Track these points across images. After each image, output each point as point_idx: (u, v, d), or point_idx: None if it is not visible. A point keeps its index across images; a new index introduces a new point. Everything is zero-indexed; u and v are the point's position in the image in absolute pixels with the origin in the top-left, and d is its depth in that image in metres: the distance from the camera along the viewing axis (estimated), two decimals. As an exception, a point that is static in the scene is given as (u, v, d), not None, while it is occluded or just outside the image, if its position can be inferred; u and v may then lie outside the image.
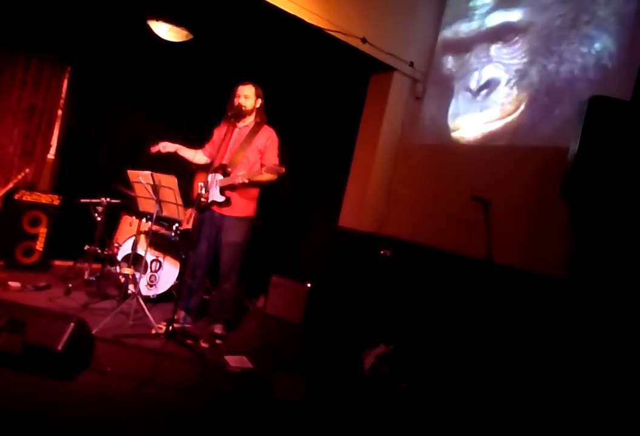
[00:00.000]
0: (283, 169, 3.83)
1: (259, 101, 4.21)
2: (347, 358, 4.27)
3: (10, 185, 5.04)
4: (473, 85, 5.09)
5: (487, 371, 3.88)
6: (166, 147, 4.23)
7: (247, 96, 4.12)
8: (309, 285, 5.07)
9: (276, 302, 5.24)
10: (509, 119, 4.72)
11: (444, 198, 5.05)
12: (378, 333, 4.57)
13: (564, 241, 3.93)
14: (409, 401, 3.65)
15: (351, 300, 5.12)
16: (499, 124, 4.80)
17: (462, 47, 5.29)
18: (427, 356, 4.23)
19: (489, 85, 4.93)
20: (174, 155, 4.33)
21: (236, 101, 4.11)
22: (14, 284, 4.53)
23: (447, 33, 5.53)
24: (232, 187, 4.06)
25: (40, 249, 5.23)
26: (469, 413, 3.54)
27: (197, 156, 4.39)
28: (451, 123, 5.25)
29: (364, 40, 4.94)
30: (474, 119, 5.02)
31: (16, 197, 5.04)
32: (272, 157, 4.15)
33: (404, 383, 3.80)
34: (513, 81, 4.71)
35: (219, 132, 4.28)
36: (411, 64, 5.48)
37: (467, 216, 4.56)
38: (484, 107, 4.94)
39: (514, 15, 4.82)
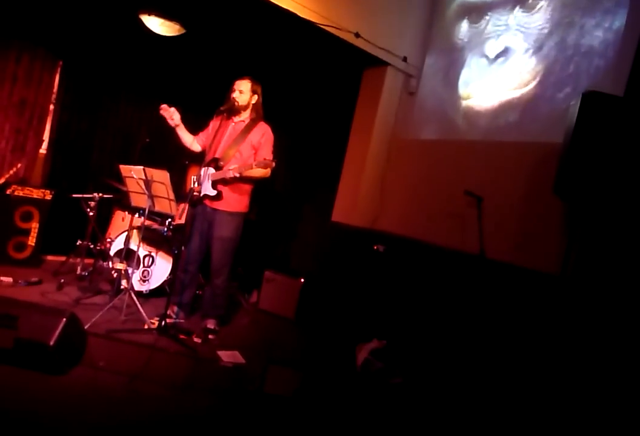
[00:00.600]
0: (273, 163, 3.82)
1: (255, 97, 4.18)
2: (340, 353, 4.28)
3: (2, 180, 5.02)
4: (490, 52, 5.00)
5: (480, 367, 3.90)
6: (175, 114, 4.08)
7: (242, 91, 4.11)
8: (302, 280, 5.08)
9: (269, 297, 5.24)
10: (525, 89, 4.64)
11: (436, 194, 5.05)
12: (371, 328, 4.57)
13: (557, 237, 3.94)
14: (401, 396, 3.66)
15: (344, 295, 5.13)
16: (515, 94, 4.72)
17: (480, 12, 5.18)
18: (420, 352, 4.24)
19: (507, 53, 4.84)
20: (172, 133, 4.26)
21: (231, 95, 4.10)
22: (6, 279, 4.51)
23: None
24: (224, 181, 4.04)
25: (32, 244, 5.20)
26: (462, 408, 3.55)
27: (194, 143, 4.33)
28: (463, 92, 5.20)
29: (357, 35, 4.93)
30: (489, 86, 4.95)
31: (8, 192, 5.01)
32: (266, 154, 4.11)
33: (396, 378, 3.81)
34: (531, 51, 4.62)
35: (214, 125, 4.24)
36: (404, 59, 5.48)
37: (460, 211, 4.57)
38: (500, 75, 4.87)
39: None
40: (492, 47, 5.00)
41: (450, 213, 4.77)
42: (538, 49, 4.58)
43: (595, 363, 3.42)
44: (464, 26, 5.34)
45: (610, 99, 3.43)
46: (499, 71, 4.90)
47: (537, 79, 4.55)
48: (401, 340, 4.30)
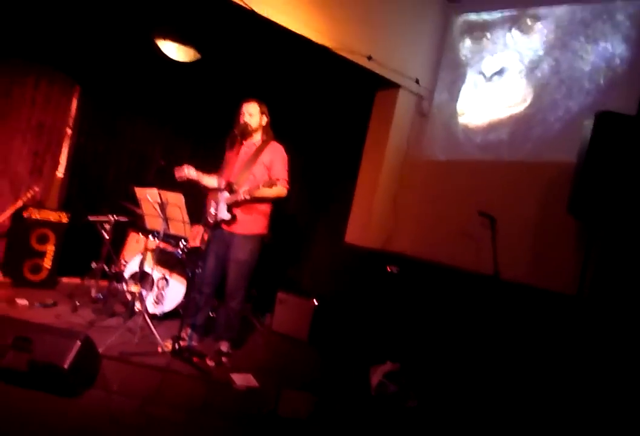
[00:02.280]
0: (277, 181, 3.82)
1: (264, 118, 4.22)
2: (354, 375, 4.24)
3: (20, 203, 5.08)
4: (486, 70, 5.11)
5: (498, 390, 3.84)
6: (190, 169, 4.21)
7: (251, 114, 4.14)
8: (315, 301, 5.05)
9: (282, 318, 5.22)
10: (516, 109, 4.75)
11: (450, 214, 5.04)
12: (385, 350, 4.53)
13: (573, 256, 3.91)
14: (417, 420, 3.61)
15: (358, 317, 5.09)
16: (506, 112, 4.83)
17: (481, 31, 5.27)
18: (435, 374, 4.19)
19: (502, 72, 4.94)
20: (195, 184, 4.32)
21: (241, 119, 4.14)
22: (21, 301, 4.54)
23: (469, 16, 5.48)
24: (238, 204, 4.06)
25: (48, 266, 5.24)
26: (479, 432, 3.49)
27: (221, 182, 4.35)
28: (459, 109, 5.30)
29: (369, 58, 4.99)
30: (482, 104, 5.05)
31: (25, 214, 5.07)
32: (279, 171, 4.12)
33: (411, 401, 3.76)
34: (525, 72, 4.74)
35: (228, 155, 4.27)
36: (417, 81, 5.52)
37: (474, 232, 4.56)
38: (494, 93, 4.97)
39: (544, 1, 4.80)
40: (488, 66, 5.10)
41: (464, 234, 4.75)
42: (532, 70, 4.68)
43: (614, 385, 3.36)
44: (467, 43, 5.43)
45: (624, 118, 3.43)
46: (493, 89, 5.00)
47: (529, 100, 4.63)
48: (415, 362, 4.26)
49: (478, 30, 5.30)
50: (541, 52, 4.66)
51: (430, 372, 4.21)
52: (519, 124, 4.71)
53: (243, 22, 4.51)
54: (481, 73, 5.15)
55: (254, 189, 3.91)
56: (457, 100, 5.34)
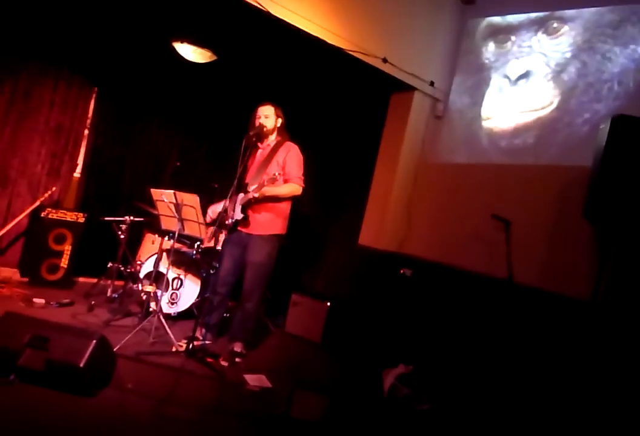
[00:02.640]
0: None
1: (279, 120, 4.26)
2: (367, 377, 4.24)
3: (37, 203, 5.15)
4: (511, 73, 5.07)
5: (510, 393, 3.82)
6: (211, 211, 4.32)
7: (267, 116, 4.18)
8: (328, 303, 5.06)
9: (296, 320, 5.23)
10: (542, 112, 4.72)
11: (464, 217, 5.03)
12: (398, 352, 4.53)
13: (587, 261, 3.88)
14: (429, 424, 3.60)
15: (371, 319, 5.10)
16: (532, 116, 4.80)
17: (506, 34, 5.24)
18: (448, 378, 4.18)
19: (528, 76, 4.91)
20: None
21: (257, 122, 4.17)
22: (38, 301, 4.59)
23: (493, 20, 5.45)
24: (250, 203, 4.08)
25: (65, 266, 5.30)
26: None
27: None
28: (484, 113, 5.26)
29: (384, 60, 4.99)
30: (508, 107, 5.02)
31: (42, 214, 5.14)
32: (292, 169, 4.14)
33: (424, 404, 3.75)
34: (551, 75, 4.71)
35: (247, 157, 4.29)
36: (432, 84, 5.51)
37: (488, 235, 4.54)
38: (519, 96, 4.94)
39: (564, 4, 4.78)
40: (514, 69, 5.06)
41: (477, 237, 4.74)
42: (559, 73, 4.64)
43: (629, 391, 3.33)
44: (491, 47, 5.39)
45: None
46: (518, 93, 4.96)
47: (555, 103, 4.59)
48: (428, 365, 4.25)
49: (502, 34, 5.28)
50: (568, 55, 4.63)
51: (443, 375, 4.21)
52: (544, 128, 4.67)
53: (258, 24, 4.53)
54: (506, 77, 5.12)
55: (260, 187, 3.92)
56: (480, 104, 5.31)
